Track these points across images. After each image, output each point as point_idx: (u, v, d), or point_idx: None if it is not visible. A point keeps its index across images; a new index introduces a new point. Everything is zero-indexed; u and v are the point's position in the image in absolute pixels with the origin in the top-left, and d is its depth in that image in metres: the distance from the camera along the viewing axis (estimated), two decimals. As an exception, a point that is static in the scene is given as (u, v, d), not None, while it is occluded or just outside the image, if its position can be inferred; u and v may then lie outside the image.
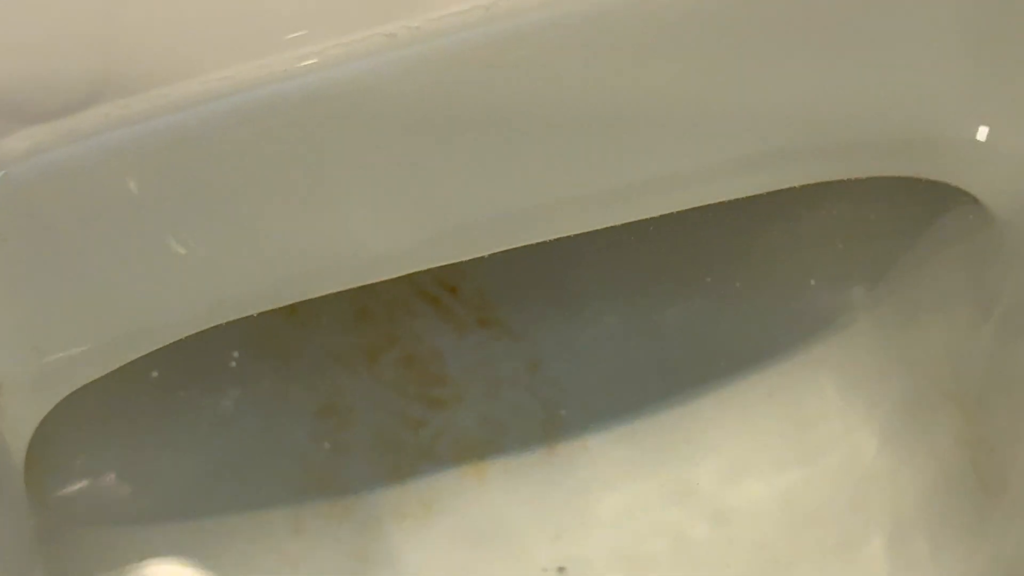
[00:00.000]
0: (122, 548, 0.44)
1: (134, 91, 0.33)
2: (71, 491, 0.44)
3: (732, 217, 0.42)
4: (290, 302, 0.37)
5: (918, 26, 0.36)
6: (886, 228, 0.45)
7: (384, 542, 0.45)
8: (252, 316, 0.37)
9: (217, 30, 0.34)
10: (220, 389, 0.46)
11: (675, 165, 0.36)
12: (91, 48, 0.34)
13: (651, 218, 0.38)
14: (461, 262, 0.37)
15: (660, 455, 0.46)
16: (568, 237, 0.37)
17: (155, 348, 0.37)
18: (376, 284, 0.37)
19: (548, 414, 0.47)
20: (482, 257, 0.37)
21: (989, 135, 0.37)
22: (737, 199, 0.38)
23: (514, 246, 0.37)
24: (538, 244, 0.37)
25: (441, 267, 0.37)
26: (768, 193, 0.38)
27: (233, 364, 0.46)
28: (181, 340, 0.37)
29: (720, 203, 0.38)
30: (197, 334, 0.37)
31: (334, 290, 0.37)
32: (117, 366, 0.37)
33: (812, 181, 0.38)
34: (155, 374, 0.45)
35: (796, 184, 0.38)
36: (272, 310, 0.37)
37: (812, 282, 0.47)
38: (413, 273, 0.37)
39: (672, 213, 0.38)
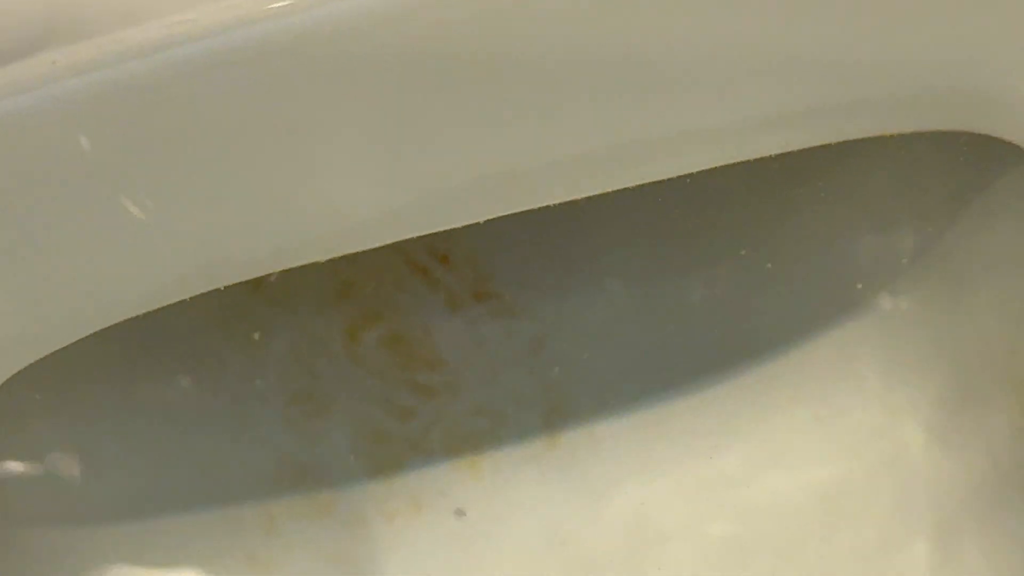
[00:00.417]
0: (72, 552, 0.43)
1: (85, 36, 0.33)
2: (15, 490, 0.43)
3: (765, 185, 0.43)
4: (262, 274, 0.36)
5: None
6: (934, 198, 0.44)
7: (368, 544, 0.45)
8: (219, 290, 0.36)
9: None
10: (182, 372, 0.45)
11: (700, 120, 0.35)
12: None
13: (671, 179, 0.37)
14: (454, 229, 0.36)
15: (677, 448, 0.46)
16: (576, 199, 0.36)
17: (107, 325, 0.36)
18: (358, 253, 0.36)
19: (552, 401, 0.47)
20: (478, 223, 0.36)
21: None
22: (775, 170, 0.38)
23: (515, 211, 0.36)
24: (542, 207, 0.36)
25: (431, 234, 0.36)
26: (806, 162, 0.38)
27: (197, 344, 0.45)
28: (138, 317, 0.36)
29: (754, 170, 0.37)
30: (156, 310, 0.36)
31: (311, 260, 0.36)
32: (62, 346, 0.36)
33: (854, 136, 0.37)
34: (108, 355, 0.44)
35: (840, 139, 0.37)
36: (241, 283, 0.36)
37: (852, 254, 0.46)
38: (400, 241, 0.36)
39: (694, 176, 0.37)
